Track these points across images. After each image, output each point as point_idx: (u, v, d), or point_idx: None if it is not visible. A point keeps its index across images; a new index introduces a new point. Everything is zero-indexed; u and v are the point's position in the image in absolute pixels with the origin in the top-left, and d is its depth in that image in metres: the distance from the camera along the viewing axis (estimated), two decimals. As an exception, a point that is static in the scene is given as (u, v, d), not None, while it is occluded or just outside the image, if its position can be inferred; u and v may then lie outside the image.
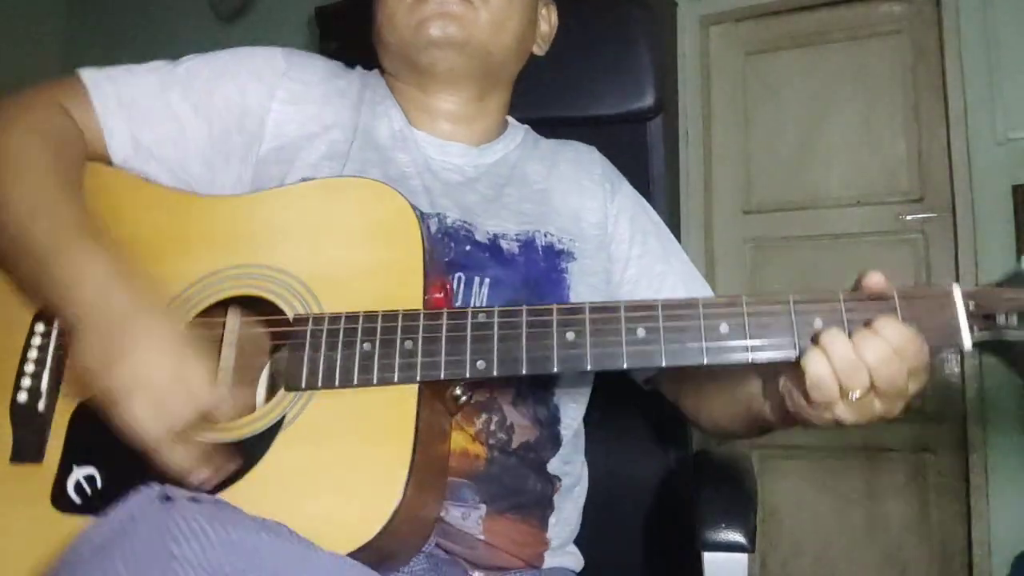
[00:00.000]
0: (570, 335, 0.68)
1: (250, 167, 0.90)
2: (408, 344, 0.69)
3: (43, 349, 0.76)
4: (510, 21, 0.93)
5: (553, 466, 0.91)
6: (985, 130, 2.29)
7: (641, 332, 0.67)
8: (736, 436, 0.94)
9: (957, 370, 2.36)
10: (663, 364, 0.67)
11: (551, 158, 1.02)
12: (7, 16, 2.70)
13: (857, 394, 0.64)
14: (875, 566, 2.43)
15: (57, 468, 0.72)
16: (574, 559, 0.95)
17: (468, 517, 0.83)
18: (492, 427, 0.86)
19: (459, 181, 0.94)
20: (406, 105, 0.97)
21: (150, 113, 0.88)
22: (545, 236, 0.93)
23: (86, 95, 0.87)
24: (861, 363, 0.63)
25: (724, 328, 0.66)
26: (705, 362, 0.66)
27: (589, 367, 0.67)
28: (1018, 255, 2.21)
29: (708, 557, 0.87)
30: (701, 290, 1.00)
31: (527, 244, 0.92)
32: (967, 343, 0.64)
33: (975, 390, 2.26)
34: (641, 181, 1.10)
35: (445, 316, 0.70)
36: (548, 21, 1.04)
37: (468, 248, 0.88)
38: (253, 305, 0.77)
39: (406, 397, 0.68)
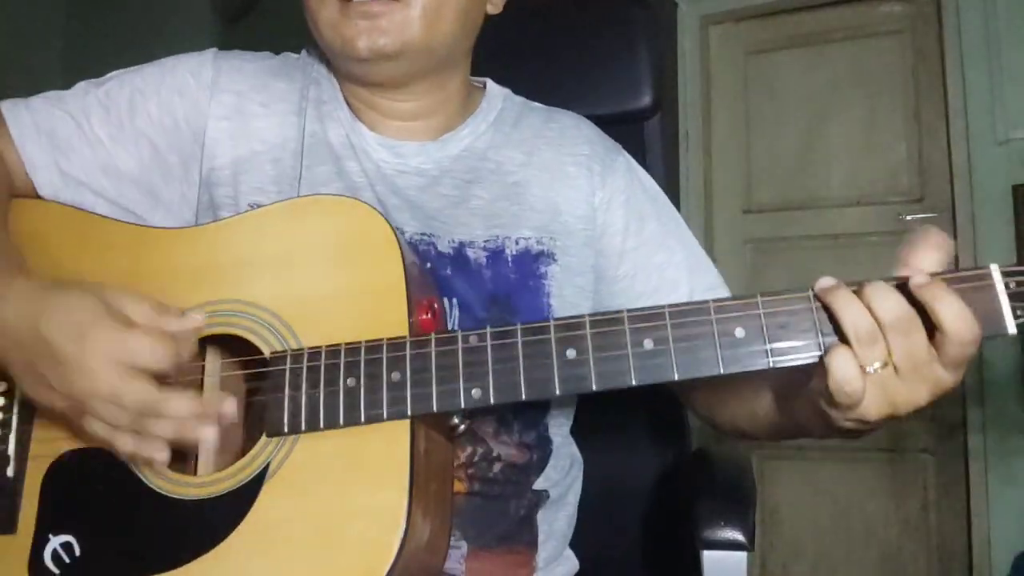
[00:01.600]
0: (571, 353, 0.62)
1: (195, 187, 0.85)
2: (396, 376, 0.64)
3: (6, 410, 0.72)
4: (446, 6, 0.80)
5: (539, 482, 0.88)
6: (985, 130, 2.29)
7: (649, 344, 0.61)
8: (758, 439, 0.88)
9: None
10: (676, 377, 0.61)
11: (532, 140, 0.91)
12: (7, 17, 2.70)
13: (876, 366, 0.58)
14: (875, 567, 2.43)
15: (32, 538, 0.68)
16: (567, 567, 0.92)
17: (450, 557, 0.78)
18: (476, 459, 0.81)
19: (419, 185, 0.86)
20: (353, 101, 0.88)
21: (71, 142, 0.83)
22: (517, 242, 0.85)
23: (4, 126, 0.82)
24: (875, 325, 0.57)
25: (740, 332, 0.61)
26: (722, 371, 0.61)
27: (595, 387, 0.62)
28: (1018, 255, 2.21)
29: (707, 555, 0.87)
30: (706, 279, 0.90)
31: (495, 255, 0.84)
32: (1011, 328, 0.59)
33: (975, 388, 2.25)
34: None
35: (433, 342, 0.64)
36: None
37: (430, 265, 0.82)
38: (227, 343, 0.72)
39: (398, 433, 0.63)
